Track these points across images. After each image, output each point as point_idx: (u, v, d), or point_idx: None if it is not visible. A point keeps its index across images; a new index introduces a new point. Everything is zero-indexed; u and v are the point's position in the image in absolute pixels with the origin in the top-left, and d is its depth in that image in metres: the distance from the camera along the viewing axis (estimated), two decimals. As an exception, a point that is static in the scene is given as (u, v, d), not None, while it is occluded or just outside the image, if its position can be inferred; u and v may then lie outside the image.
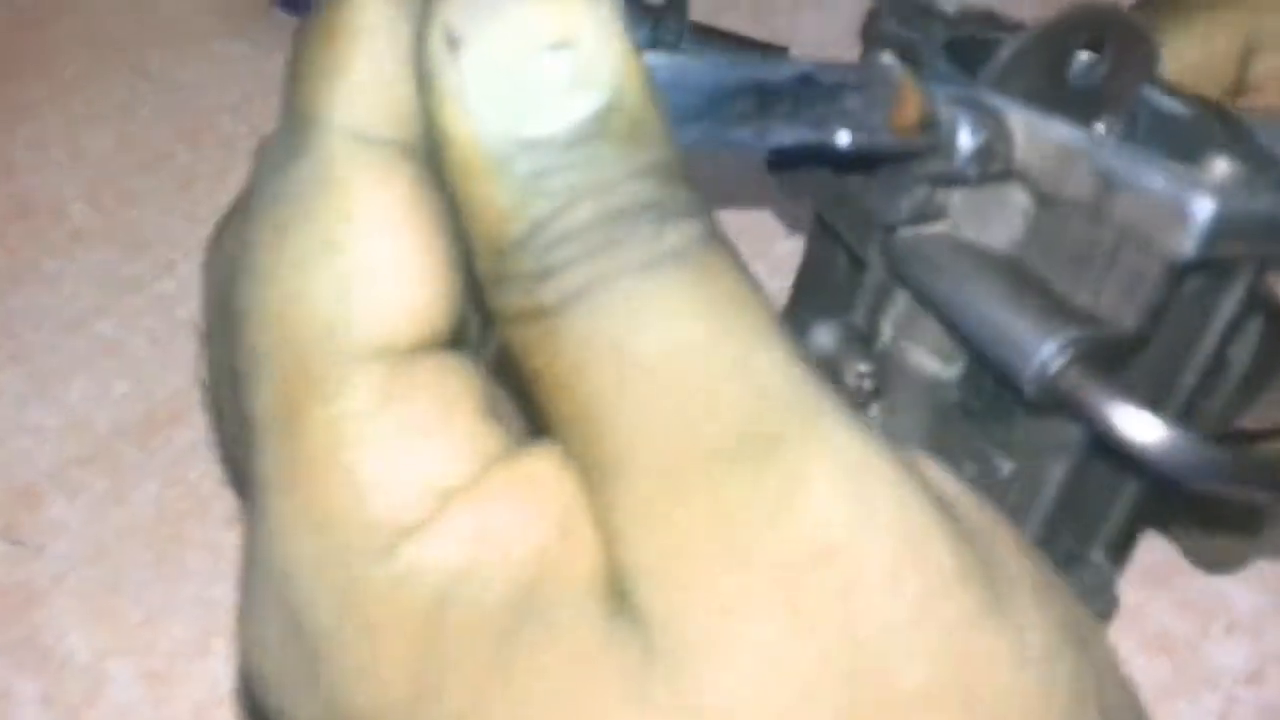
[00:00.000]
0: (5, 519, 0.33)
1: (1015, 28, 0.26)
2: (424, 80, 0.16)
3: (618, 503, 0.16)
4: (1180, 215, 0.21)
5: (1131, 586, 0.33)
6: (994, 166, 0.23)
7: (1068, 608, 0.18)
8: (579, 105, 0.16)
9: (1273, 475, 0.22)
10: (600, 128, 0.16)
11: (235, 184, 0.41)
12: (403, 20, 0.17)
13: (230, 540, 0.33)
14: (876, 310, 0.25)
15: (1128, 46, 0.25)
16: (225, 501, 0.34)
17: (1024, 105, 0.23)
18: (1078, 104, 0.25)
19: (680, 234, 0.16)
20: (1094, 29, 0.25)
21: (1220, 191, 0.21)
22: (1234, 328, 0.24)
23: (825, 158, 0.23)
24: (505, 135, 0.16)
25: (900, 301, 0.25)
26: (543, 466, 0.17)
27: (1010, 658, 0.16)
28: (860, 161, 0.23)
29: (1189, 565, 0.34)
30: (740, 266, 0.17)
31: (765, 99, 0.21)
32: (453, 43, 0.16)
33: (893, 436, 0.18)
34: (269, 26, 0.47)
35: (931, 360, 0.25)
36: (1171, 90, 0.26)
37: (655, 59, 0.20)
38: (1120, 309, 0.22)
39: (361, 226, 0.17)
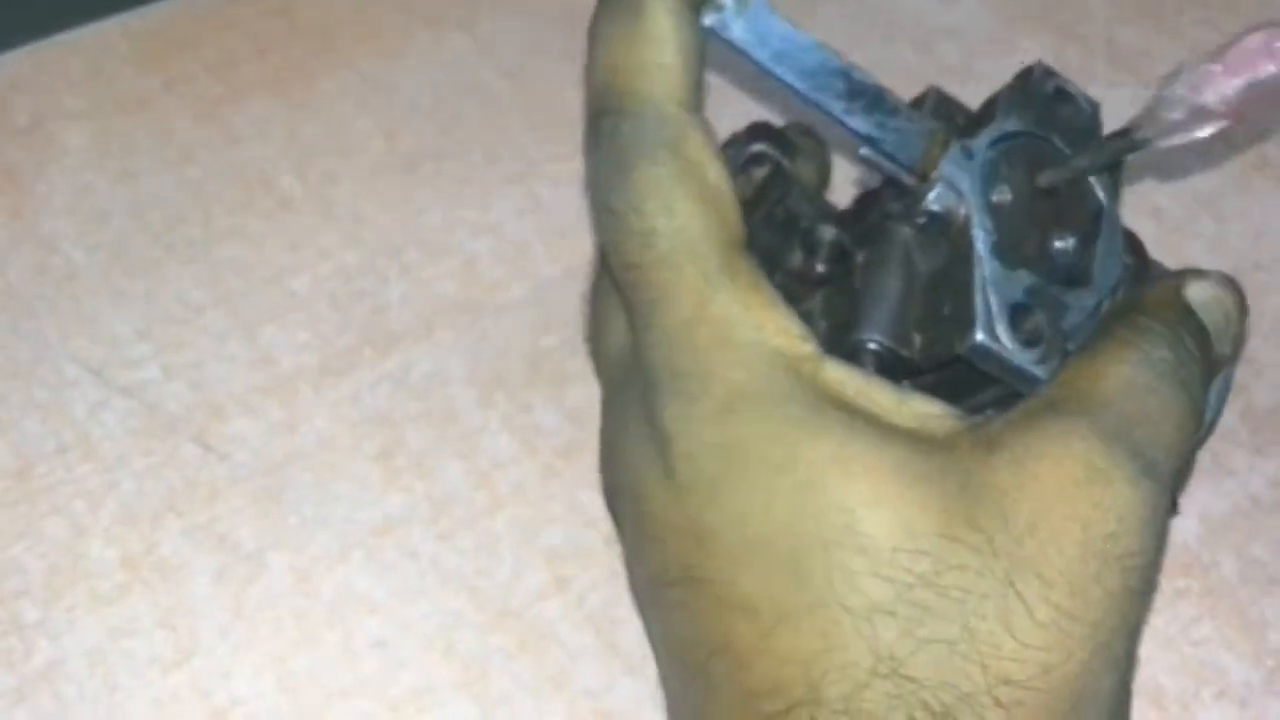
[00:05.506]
0: (200, 427, 0.40)
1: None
2: None
3: None
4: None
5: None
6: (934, 231, 0.32)
7: None
8: None
9: None
10: None
11: (423, 176, 0.48)
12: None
13: (376, 474, 0.40)
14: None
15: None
16: (374, 443, 0.40)
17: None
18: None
19: None
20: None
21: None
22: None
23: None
24: None
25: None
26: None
27: None
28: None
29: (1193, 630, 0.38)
30: None
31: (853, 88, 0.31)
32: None
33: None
34: (475, 36, 0.52)
35: None
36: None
37: (792, 30, 0.30)
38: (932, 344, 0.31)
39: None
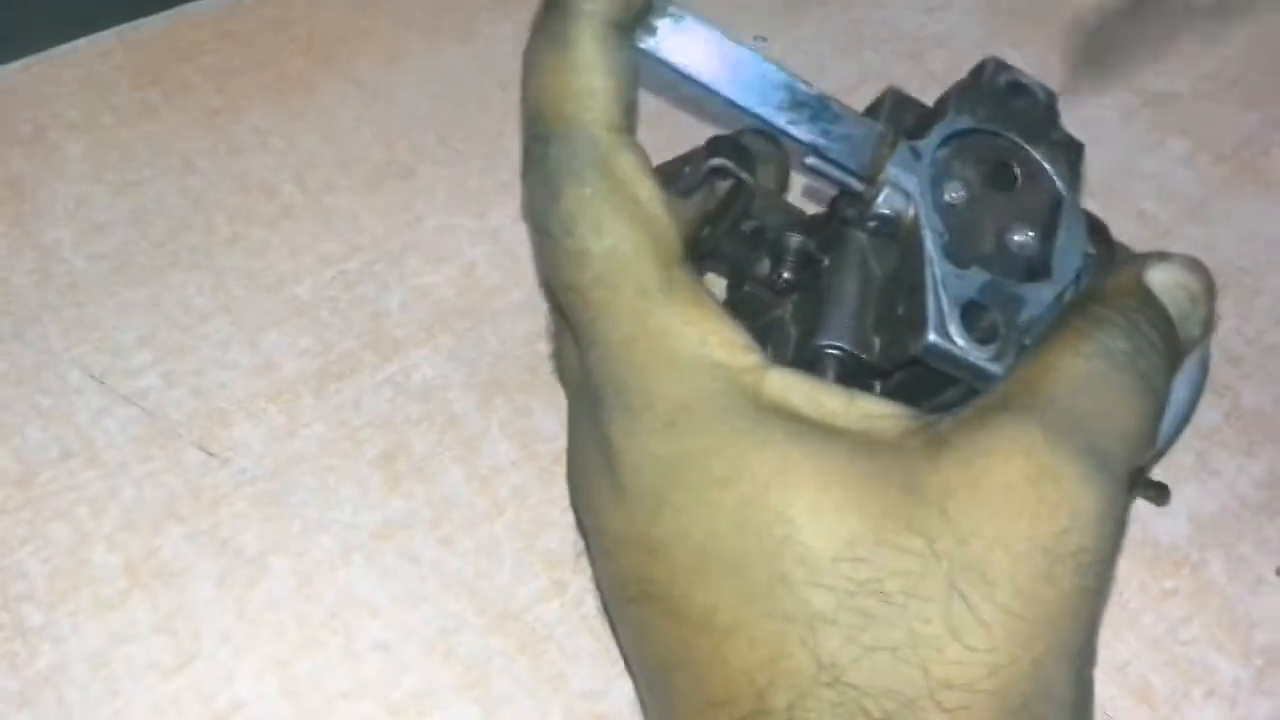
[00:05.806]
0: (202, 433, 0.40)
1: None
2: None
3: None
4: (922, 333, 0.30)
5: (1124, 643, 0.39)
6: (885, 234, 0.32)
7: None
8: None
9: None
10: None
11: (421, 183, 0.48)
12: None
13: (376, 479, 0.40)
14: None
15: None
16: (375, 447, 0.41)
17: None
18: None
19: None
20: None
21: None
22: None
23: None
24: None
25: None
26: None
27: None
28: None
29: (1181, 630, 0.39)
30: None
31: (796, 99, 0.31)
32: None
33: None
34: (472, 45, 0.52)
35: None
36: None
37: (731, 45, 0.30)
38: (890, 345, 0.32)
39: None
